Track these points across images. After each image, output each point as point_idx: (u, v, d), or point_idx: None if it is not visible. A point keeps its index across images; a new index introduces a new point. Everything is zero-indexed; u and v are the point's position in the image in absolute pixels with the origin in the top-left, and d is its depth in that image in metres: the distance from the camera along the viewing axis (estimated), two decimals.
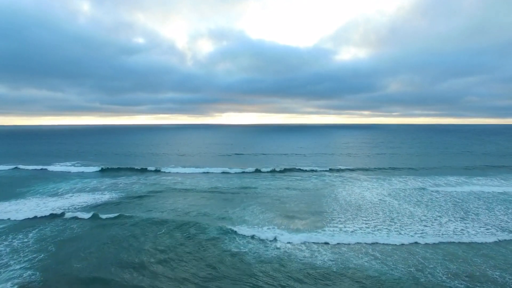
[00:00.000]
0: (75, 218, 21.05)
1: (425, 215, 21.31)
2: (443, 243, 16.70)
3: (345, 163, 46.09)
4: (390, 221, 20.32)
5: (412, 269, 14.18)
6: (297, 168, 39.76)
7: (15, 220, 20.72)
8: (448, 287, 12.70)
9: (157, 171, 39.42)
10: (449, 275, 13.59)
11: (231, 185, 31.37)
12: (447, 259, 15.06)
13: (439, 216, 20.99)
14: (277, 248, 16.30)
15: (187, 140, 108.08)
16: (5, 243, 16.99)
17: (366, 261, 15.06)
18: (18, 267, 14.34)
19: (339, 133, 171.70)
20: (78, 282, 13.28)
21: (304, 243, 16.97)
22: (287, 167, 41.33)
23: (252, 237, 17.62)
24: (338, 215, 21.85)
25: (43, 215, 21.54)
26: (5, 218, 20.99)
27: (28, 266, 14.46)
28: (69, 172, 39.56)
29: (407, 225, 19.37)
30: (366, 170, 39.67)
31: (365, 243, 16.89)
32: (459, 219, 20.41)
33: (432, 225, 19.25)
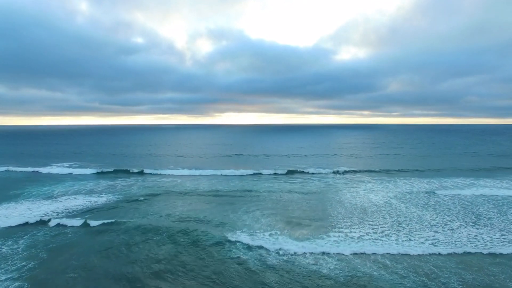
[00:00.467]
0: (67, 224, 19.93)
1: (434, 220, 20.40)
2: (457, 250, 15.73)
3: (348, 164, 45.19)
4: (398, 226, 19.43)
5: (424, 279, 13.32)
6: (299, 170, 38.84)
7: (2, 227, 19.64)
8: None
9: (155, 173, 38.46)
10: (465, 286, 12.71)
11: (232, 187, 30.46)
12: (462, 268, 14.16)
13: (450, 221, 20.08)
14: (281, 256, 15.40)
15: (187, 140, 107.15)
16: None
17: (375, 270, 14.19)
18: (4, 277, 13.43)
19: (339, 133, 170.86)
20: None
21: (308, 250, 16.05)
22: (289, 168, 40.43)
23: (254, 244, 16.65)
24: (343, 219, 20.96)
25: (33, 221, 20.33)
26: None
27: (16, 276, 13.56)
28: (66, 173, 38.59)
29: (416, 231, 18.47)
30: (370, 171, 38.76)
31: (373, 250, 15.97)
32: (471, 224, 19.50)
33: (443, 230, 18.32)
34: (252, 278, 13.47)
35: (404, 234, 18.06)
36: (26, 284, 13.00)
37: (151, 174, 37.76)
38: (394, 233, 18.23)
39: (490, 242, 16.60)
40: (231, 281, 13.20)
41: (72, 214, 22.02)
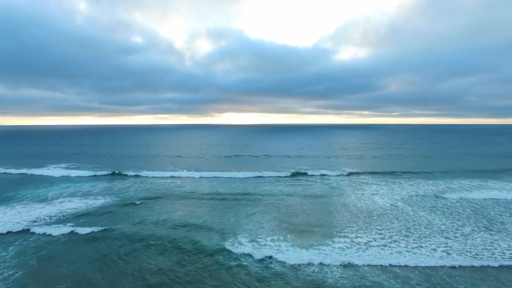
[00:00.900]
0: (56, 232, 18.62)
1: (444, 224, 19.50)
2: (473, 259, 14.72)
3: (351, 165, 44.28)
4: (407, 231, 18.53)
5: None
6: (301, 171, 37.89)
7: None
8: None
9: (154, 174, 37.50)
10: None
11: (232, 190, 29.51)
12: (479, 278, 13.25)
13: (460, 226, 19.17)
14: (284, 264, 14.48)
15: (186, 140, 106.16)
16: None
17: (384, 279, 13.31)
18: None
19: (339, 133, 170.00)
20: None
21: (313, 257, 15.13)
22: (291, 170, 39.54)
23: (256, 252, 15.66)
24: (349, 223, 20.07)
25: (19, 228, 18.93)
26: None
27: (2, 287, 12.64)
28: (62, 175, 37.58)
29: (426, 236, 17.56)
30: (374, 173, 37.83)
31: (381, 257, 15.06)
32: (483, 229, 18.58)
33: (455, 236, 17.39)
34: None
35: (413, 240, 17.15)
36: None
37: (149, 175, 36.80)
38: (403, 239, 17.33)
39: (508, 250, 15.60)
40: None
41: (64, 219, 21.06)
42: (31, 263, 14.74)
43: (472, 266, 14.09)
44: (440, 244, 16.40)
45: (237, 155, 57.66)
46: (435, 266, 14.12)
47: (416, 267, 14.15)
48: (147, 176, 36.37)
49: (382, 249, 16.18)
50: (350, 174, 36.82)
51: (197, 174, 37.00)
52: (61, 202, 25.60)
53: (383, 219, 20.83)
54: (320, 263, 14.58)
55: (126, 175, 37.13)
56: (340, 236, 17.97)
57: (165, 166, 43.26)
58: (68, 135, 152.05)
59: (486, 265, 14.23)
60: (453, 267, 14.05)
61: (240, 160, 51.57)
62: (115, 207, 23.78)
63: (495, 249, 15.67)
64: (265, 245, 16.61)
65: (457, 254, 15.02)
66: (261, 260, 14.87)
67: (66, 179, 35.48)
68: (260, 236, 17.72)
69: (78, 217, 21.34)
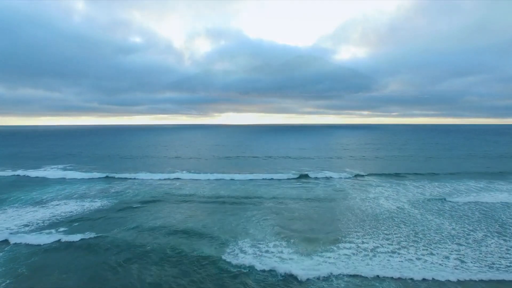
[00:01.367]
0: (48, 236, 17.81)
1: (454, 229, 18.67)
2: (490, 270, 13.68)
3: (354, 166, 43.45)
4: (415, 236, 17.70)
5: None
6: (303, 173, 37.00)
7: None
8: None
9: (152, 176, 36.61)
10: None
11: (233, 193, 28.63)
12: None
13: (472, 230, 18.33)
14: (287, 275, 13.62)
15: (186, 141, 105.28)
16: None
17: None
18: None
19: (340, 133, 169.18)
20: None
21: (317, 265, 14.30)
22: (293, 171, 38.74)
23: (258, 262, 14.73)
24: (354, 227, 19.24)
25: (2, 239, 17.68)
26: None
27: None
28: (58, 177, 36.68)
29: (436, 242, 16.71)
30: (378, 174, 36.93)
31: (391, 267, 14.20)
32: (496, 234, 17.72)
33: (467, 242, 16.52)
34: None
35: (423, 246, 16.31)
36: None
37: (148, 177, 35.88)
38: (412, 245, 16.48)
39: None
40: None
41: (58, 222, 20.20)
42: (20, 271, 13.90)
43: (489, 276, 13.18)
44: (452, 251, 15.54)
45: (238, 156, 56.80)
46: (449, 280, 12.98)
47: (429, 280, 13.19)
48: (145, 178, 35.47)
49: (390, 256, 15.34)
50: (353, 175, 35.95)
51: (197, 176, 36.11)
52: (56, 205, 24.75)
53: (390, 223, 20.01)
54: (326, 276, 13.59)
55: (124, 176, 36.20)
56: (346, 242, 17.15)
57: (164, 168, 42.41)
58: (66, 136, 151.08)
59: (500, 269, 13.38)
60: (470, 279, 13.02)
61: (241, 161, 50.71)
62: (111, 211, 22.90)
63: None
64: (267, 251, 15.79)
65: (471, 263, 14.13)
66: (263, 271, 13.98)
67: (63, 180, 34.60)
68: (262, 242, 16.87)
69: (72, 222, 20.45)
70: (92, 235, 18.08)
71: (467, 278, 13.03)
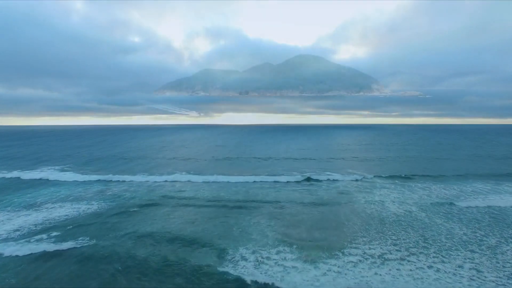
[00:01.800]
0: (37, 245, 16.85)
1: (465, 234, 17.83)
2: (509, 279, 12.85)
3: (357, 167, 42.60)
4: (425, 242, 16.88)
5: None
6: (305, 175, 36.11)
7: None
8: None
9: (152, 178, 35.75)
10: None
11: (234, 196, 27.75)
12: None
13: (484, 236, 17.49)
14: (290, 284, 12.81)
15: (186, 141, 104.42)
16: None
17: None
18: None
19: (340, 133, 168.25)
20: None
21: (323, 274, 13.49)
22: (294, 173, 37.90)
23: (259, 276, 13.85)
24: (360, 232, 18.44)
25: None
26: None
27: None
28: (54, 179, 35.73)
29: (447, 249, 15.87)
30: (382, 175, 36.05)
31: (401, 276, 13.37)
32: (511, 240, 16.89)
33: (480, 249, 15.67)
34: None
35: (434, 253, 15.48)
36: None
37: (146, 180, 35.00)
38: (421, 252, 15.66)
39: None
40: None
41: (51, 227, 19.38)
42: (8, 281, 13.08)
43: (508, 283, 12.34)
44: (465, 258, 14.69)
45: (238, 157, 55.94)
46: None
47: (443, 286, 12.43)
48: (143, 180, 34.61)
49: (400, 263, 14.52)
50: (357, 177, 35.08)
51: (196, 178, 35.21)
52: (51, 208, 23.96)
53: (397, 227, 19.19)
54: (331, 280, 12.85)
55: (123, 178, 35.25)
56: (351, 247, 16.37)
57: (163, 169, 41.56)
58: (65, 136, 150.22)
59: None
60: None
61: (241, 162, 49.84)
62: (107, 215, 22.06)
63: None
64: (269, 258, 15.00)
65: (488, 272, 13.28)
66: (266, 284, 13.11)
67: (59, 182, 33.74)
68: (264, 248, 16.05)
69: (65, 227, 19.58)
70: (87, 241, 17.27)
71: (469, 277, 12.32)
